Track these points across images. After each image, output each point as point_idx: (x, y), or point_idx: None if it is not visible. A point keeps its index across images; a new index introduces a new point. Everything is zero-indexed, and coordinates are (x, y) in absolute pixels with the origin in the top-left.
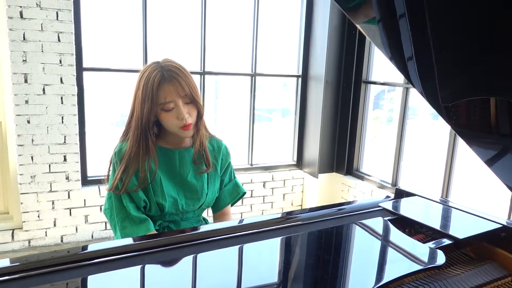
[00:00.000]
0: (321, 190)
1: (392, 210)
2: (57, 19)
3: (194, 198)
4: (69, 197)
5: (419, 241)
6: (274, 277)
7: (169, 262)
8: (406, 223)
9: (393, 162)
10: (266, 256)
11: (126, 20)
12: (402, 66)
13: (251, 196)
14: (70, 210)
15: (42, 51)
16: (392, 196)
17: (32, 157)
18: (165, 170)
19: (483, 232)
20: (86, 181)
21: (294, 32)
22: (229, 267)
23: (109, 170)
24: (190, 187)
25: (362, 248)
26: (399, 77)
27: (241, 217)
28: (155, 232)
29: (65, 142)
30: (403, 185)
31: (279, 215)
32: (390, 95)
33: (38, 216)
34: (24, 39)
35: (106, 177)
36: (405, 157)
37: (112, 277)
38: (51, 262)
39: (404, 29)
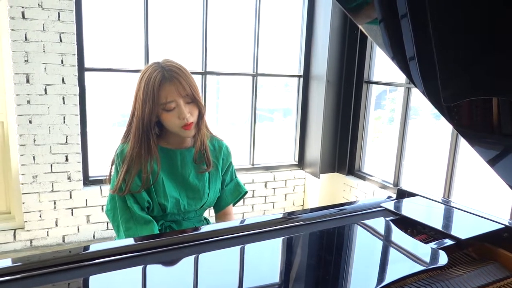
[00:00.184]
0: (323, 190)
1: (394, 210)
2: (58, 19)
3: (196, 198)
4: (70, 197)
5: (421, 241)
6: (275, 278)
7: (170, 263)
8: (408, 223)
9: (395, 162)
10: (267, 257)
11: (127, 20)
12: (404, 66)
13: (253, 196)
14: (71, 210)
15: (44, 52)
16: (394, 196)
17: (34, 157)
18: (166, 171)
19: (486, 233)
20: (87, 181)
21: (296, 32)
22: (230, 268)
23: (111, 171)
24: (191, 187)
25: (364, 249)
26: (401, 77)
27: (243, 217)
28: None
29: (66, 142)
30: (405, 185)
31: (281, 216)
32: (391, 95)
33: (40, 216)
34: (26, 39)
35: (108, 178)
36: (407, 157)
37: (113, 277)
38: (53, 262)
39: (406, 29)
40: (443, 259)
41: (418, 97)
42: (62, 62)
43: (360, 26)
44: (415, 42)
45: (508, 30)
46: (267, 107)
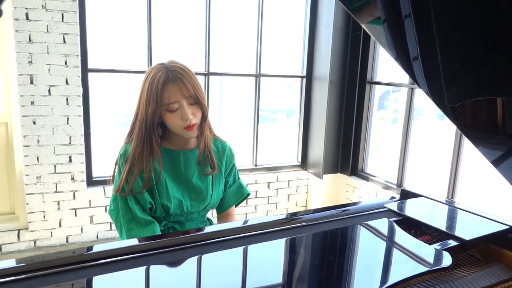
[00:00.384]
0: (326, 191)
1: (398, 211)
2: (62, 20)
3: (199, 199)
4: (74, 197)
5: (425, 242)
6: (278, 279)
7: (173, 263)
8: (411, 224)
9: (398, 162)
10: (270, 257)
11: (131, 21)
12: (407, 66)
13: (256, 197)
14: (75, 211)
15: (47, 53)
16: (398, 197)
17: (37, 158)
18: (170, 172)
19: (490, 234)
20: (91, 181)
21: (299, 32)
22: (233, 268)
23: (114, 171)
24: (195, 189)
25: (368, 250)
26: (404, 78)
27: (246, 218)
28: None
29: (70, 143)
30: (408, 186)
31: (284, 216)
32: (394, 95)
33: (44, 217)
34: (30, 40)
35: (111, 178)
36: (410, 157)
37: (117, 277)
38: (57, 263)
39: (410, 29)
40: (447, 260)
41: (421, 98)
42: (65, 63)
43: (363, 26)
44: (418, 42)
45: None
46: (270, 107)
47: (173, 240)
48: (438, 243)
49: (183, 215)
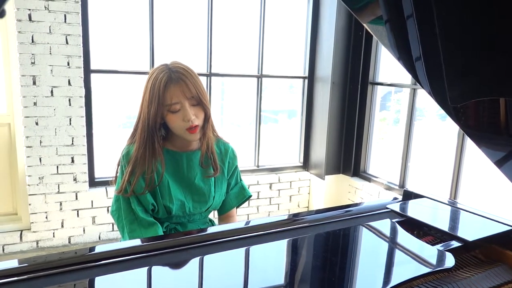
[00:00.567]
0: (328, 191)
1: (400, 212)
2: (65, 21)
3: (202, 201)
4: (76, 198)
5: (427, 243)
6: (281, 280)
7: (176, 264)
8: (414, 225)
9: (401, 163)
10: (272, 258)
11: (133, 22)
12: (410, 67)
13: (258, 198)
14: (77, 211)
15: (50, 54)
16: (400, 197)
17: (40, 159)
18: (172, 173)
19: (493, 234)
20: (93, 182)
21: (301, 33)
22: (235, 269)
23: (116, 172)
24: (197, 190)
25: (370, 251)
26: (406, 78)
27: (248, 219)
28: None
29: (72, 143)
30: (410, 187)
31: (286, 217)
32: (397, 96)
33: (46, 217)
34: (32, 41)
35: (114, 179)
36: (413, 158)
37: (119, 278)
38: (59, 263)
39: (412, 29)
40: (450, 261)
41: (423, 98)
42: (68, 64)
43: (365, 26)
44: (421, 42)
45: None
46: (272, 108)
47: (175, 240)
48: (441, 244)
49: (185, 217)
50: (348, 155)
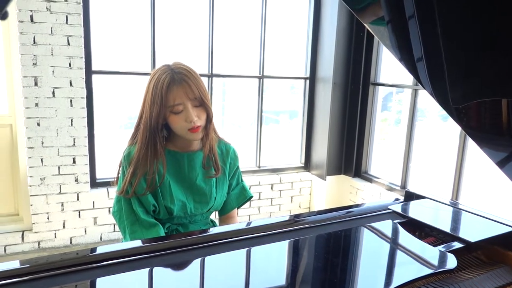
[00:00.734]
0: (329, 192)
1: (402, 212)
2: (66, 22)
3: (203, 201)
4: (78, 199)
5: (429, 244)
6: (282, 281)
7: (177, 265)
8: (416, 226)
9: (402, 164)
10: (274, 259)
11: (134, 23)
12: (412, 67)
13: (259, 199)
14: (79, 212)
15: (52, 55)
16: (401, 198)
17: (41, 159)
18: (173, 174)
19: (495, 236)
20: (95, 183)
21: (302, 34)
22: (237, 270)
23: (118, 173)
24: (198, 191)
25: (372, 252)
26: (408, 79)
27: (249, 220)
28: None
29: (74, 144)
30: (412, 188)
31: (287, 218)
32: (398, 96)
33: (48, 218)
34: (34, 42)
35: (115, 180)
36: (414, 159)
37: (120, 279)
38: (60, 264)
39: (414, 30)
40: (452, 262)
41: (425, 99)
42: (70, 65)
43: (367, 27)
44: (423, 43)
45: None
46: (273, 109)
47: (177, 242)
48: (443, 245)
49: (186, 217)
50: (349, 156)
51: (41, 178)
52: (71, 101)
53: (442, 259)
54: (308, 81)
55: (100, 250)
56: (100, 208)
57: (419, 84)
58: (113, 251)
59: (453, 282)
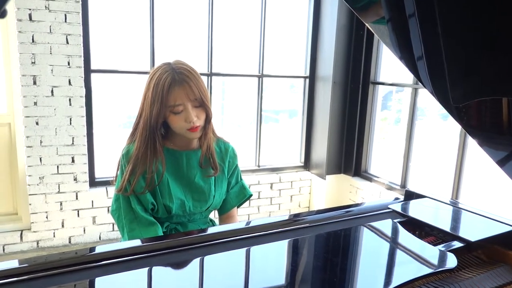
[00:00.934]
0: (329, 191)
1: (402, 212)
2: (65, 21)
3: (202, 200)
4: (77, 198)
5: (429, 243)
6: (281, 280)
7: (176, 264)
8: (416, 225)
9: (402, 163)
10: (273, 259)
11: (133, 22)
12: (412, 66)
13: (258, 198)
14: (78, 211)
15: (50, 53)
16: (401, 197)
17: (40, 159)
18: (172, 172)
19: (496, 235)
20: (94, 182)
21: (302, 32)
22: (236, 270)
23: (117, 172)
24: (197, 189)
25: (371, 251)
26: (408, 78)
27: (248, 219)
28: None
29: (73, 143)
30: (412, 187)
31: (287, 217)
32: (398, 95)
33: (47, 217)
34: (33, 41)
35: (114, 179)
36: (414, 158)
37: (119, 279)
38: (59, 264)
39: (414, 28)
40: (452, 261)
41: (425, 98)
42: (68, 64)
43: (367, 25)
44: (423, 41)
45: None
46: (273, 108)
47: (176, 241)
48: (443, 245)
49: (185, 216)
50: (349, 155)
51: (40, 177)
52: (70, 100)
53: (442, 258)
54: (307, 80)
55: (99, 249)
56: (99, 207)
57: (419, 83)
58: (112, 251)
59: (453, 282)
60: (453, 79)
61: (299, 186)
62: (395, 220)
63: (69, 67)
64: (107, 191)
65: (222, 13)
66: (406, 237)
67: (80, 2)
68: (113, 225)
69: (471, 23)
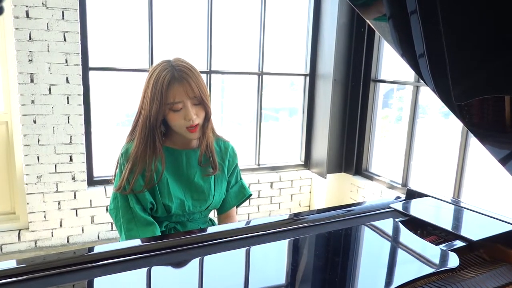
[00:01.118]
0: (330, 190)
1: (403, 211)
2: (63, 18)
3: (201, 199)
4: (75, 197)
5: (431, 243)
6: (281, 280)
7: (175, 264)
8: (417, 224)
9: (403, 162)
10: (273, 259)
11: (132, 19)
12: (413, 63)
13: (259, 197)
14: (76, 211)
15: (48, 51)
16: (403, 196)
17: (38, 157)
18: (171, 171)
19: (498, 234)
20: (92, 181)
21: (302, 30)
22: (236, 270)
23: (115, 170)
24: (197, 188)
25: (373, 251)
26: (409, 76)
27: (248, 218)
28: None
29: (71, 142)
30: (413, 186)
31: (287, 217)
32: (399, 93)
33: (44, 217)
34: (30, 38)
35: (113, 177)
36: (415, 156)
37: (118, 279)
38: (57, 264)
39: (416, 25)
40: (454, 261)
41: (426, 96)
42: (66, 61)
43: (368, 22)
44: (425, 39)
45: None
46: (273, 106)
47: (175, 241)
48: (445, 244)
49: (184, 215)
50: (350, 154)
51: (37, 176)
52: (67, 98)
53: (444, 258)
54: (308, 78)
55: (98, 249)
56: (97, 206)
57: (421, 81)
58: (110, 251)
59: (455, 281)
60: (455, 77)
61: (299, 185)
62: (397, 220)
63: (67, 65)
64: (105, 190)
65: (222, 10)
66: (407, 237)
67: None
68: (111, 224)
69: (474, 21)
